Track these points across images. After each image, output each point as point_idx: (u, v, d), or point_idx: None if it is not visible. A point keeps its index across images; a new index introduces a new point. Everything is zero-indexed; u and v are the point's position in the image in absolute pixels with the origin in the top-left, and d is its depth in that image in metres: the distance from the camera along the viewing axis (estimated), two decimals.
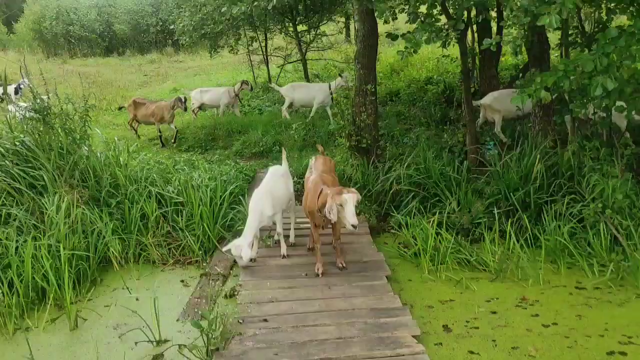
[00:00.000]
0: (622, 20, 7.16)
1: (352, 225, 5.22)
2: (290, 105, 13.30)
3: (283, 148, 7.65)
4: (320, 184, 5.84)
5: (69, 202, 6.50)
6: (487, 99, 10.04)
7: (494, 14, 12.22)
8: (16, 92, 15.04)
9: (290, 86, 13.66)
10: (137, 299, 5.73)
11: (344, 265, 6.08)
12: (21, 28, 33.49)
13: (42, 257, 5.65)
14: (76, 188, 6.90)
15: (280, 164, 7.19)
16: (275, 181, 6.57)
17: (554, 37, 10.78)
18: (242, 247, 5.92)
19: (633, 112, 6.29)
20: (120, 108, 13.80)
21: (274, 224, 6.54)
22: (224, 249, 6.15)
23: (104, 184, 7.16)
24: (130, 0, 32.24)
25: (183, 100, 11.87)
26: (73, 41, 31.05)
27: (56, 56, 29.46)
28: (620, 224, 6.15)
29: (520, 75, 10.99)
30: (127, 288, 5.98)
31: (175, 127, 12.31)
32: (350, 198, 5.27)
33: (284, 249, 6.50)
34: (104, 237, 6.48)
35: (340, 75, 12.80)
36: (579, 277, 5.85)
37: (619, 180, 6.33)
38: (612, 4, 6.42)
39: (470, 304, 5.39)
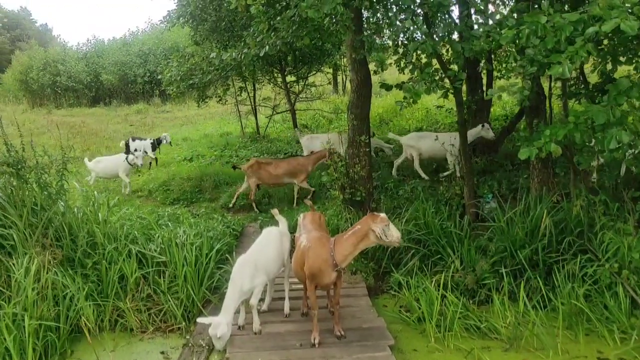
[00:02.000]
0: (626, 70, 6.95)
1: (398, 238, 5.23)
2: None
3: (273, 210, 7.02)
4: (325, 238, 5.51)
5: (39, 264, 5.94)
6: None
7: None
8: None
9: (415, 135, 11.56)
10: None
11: (343, 333, 5.53)
12: (7, 78, 33.34)
13: (4, 328, 5.03)
14: (49, 248, 6.35)
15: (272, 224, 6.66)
16: (264, 246, 6.03)
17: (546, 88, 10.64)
18: (220, 325, 5.17)
19: None
20: (234, 168, 11.49)
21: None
22: (200, 320, 5.33)
23: (80, 243, 6.61)
24: (119, 51, 32.37)
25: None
26: (59, 91, 30.89)
27: (41, 106, 29.19)
28: (638, 285, 5.71)
29: (521, 126, 10.82)
30: None
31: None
32: (383, 220, 5.20)
33: (256, 325, 5.73)
34: (77, 304, 5.88)
35: (482, 125, 11.07)
36: (599, 346, 5.35)
37: (634, 238, 5.93)
38: (620, 55, 6.19)
39: None
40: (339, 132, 12.36)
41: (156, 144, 15.06)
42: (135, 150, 13.50)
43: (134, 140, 14.98)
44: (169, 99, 27.75)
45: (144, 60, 31.15)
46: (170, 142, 15.87)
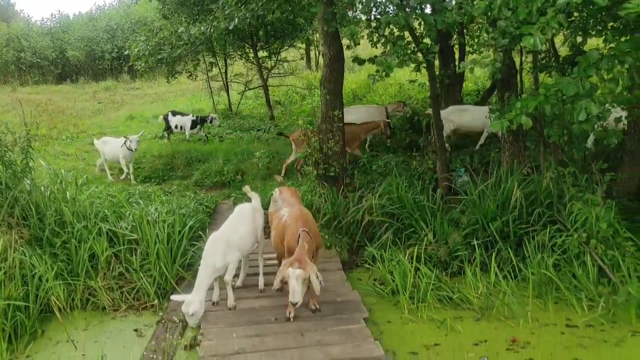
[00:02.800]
0: (595, 43, 7.02)
1: (291, 302, 5.00)
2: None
3: (245, 187, 6.90)
4: (300, 223, 5.40)
5: (5, 243, 5.78)
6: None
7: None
8: None
9: (455, 109, 10.98)
10: (83, 355, 5.04)
11: (318, 307, 5.54)
12: None
13: None
14: (15, 227, 6.19)
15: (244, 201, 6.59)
16: (237, 223, 5.95)
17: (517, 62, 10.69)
18: (193, 303, 5.15)
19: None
20: (280, 134, 11.61)
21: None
22: (174, 297, 5.28)
23: (48, 222, 6.46)
24: (85, 26, 31.35)
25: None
26: (24, 68, 29.85)
27: (6, 84, 28.20)
28: (605, 254, 5.85)
29: (493, 101, 10.89)
30: (72, 341, 5.27)
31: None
32: (294, 275, 4.84)
33: (230, 301, 5.70)
34: (46, 283, 5.76)
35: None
36: (569, 314, 5.48)
37: (602, 208, 6.05)
38: (590, 28, 6.23)
39: (457, 348, 4.93)
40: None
41: (199, 122, 13.77)
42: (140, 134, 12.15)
43: (174, 115, 13.87)
44: (138, 76, 27.07)
45: (112, 36, 30.23)
46: (219, 124, 14.66)
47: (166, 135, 14.02)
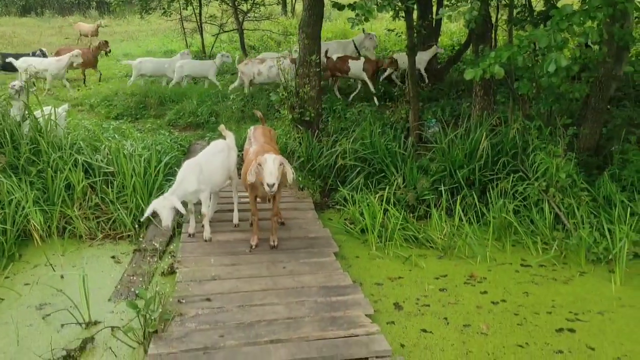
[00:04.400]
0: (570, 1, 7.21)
1: (267, 184, 5.00)
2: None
3: (221, 126, 7.02)
4: (262, 154, 5.51)
5: None
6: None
7: None
8: None
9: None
10: (62, 277, 5.19)
11: (275, 244, 5.74)
12: None
13: None
14: None
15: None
16: (212, 155, 6.05)
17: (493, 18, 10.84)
18: (163, 206, 5.25)
19: None
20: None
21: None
22: (146, 213, 5.39)
23: (23, 150, 6.46)
24: None
25: None
26: None
27: None
28: (562, 202, 6.24)
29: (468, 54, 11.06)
30: (51, 265, 5.41)
31: None
32: (272, 159, 5.04)
33: (207, 233, 5.86)
34: (24, 208, 5.83)
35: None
36: (524, 255, 5.88)
37: (562, 160, 6.41)
38: None
39: (419, 281, 5.28)
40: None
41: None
42: None
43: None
44: (107, 12, 26.18)
45: None
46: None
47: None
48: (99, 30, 19.77)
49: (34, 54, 13.62)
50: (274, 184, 5.00)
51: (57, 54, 13.52)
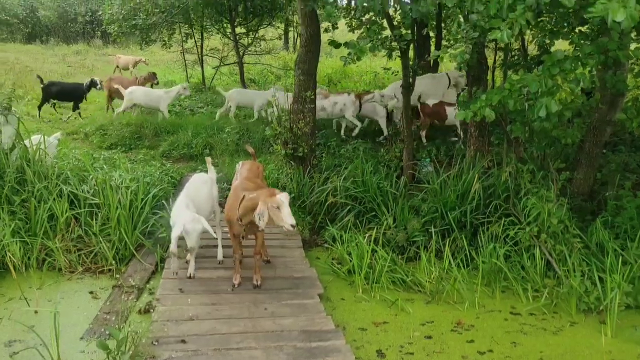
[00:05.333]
0: (562, 46, 7.23)
1: (292, 225, 4.82)
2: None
3: (207, 157, 7.02)
4: (239, 190, 5.43)
5: None
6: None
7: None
8: None
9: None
10: (36, 312, 5.03)
11: (259, 283, 5.59)
12: None
13: None
14: None
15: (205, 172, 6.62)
16: (196, 188, 6.00)
17: (490, 61, 10.92)
18: (194, 229, 5.29)
19: None
20: None
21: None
22: (174, 233, 5.31)
23: (8, 179, 6.37)
24: None
25: None
26: None
27: None
28: (553, 248, 6.11)
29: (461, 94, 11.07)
30: (25, 299, 5.25)
31: None
32: (285, 198, 4.91)
33: (191, 269, 5.71)
34: (2, 239, 5.70)
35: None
36: (514, 302, 5.72)
37: (555, 205, 6.30)
38: (557, 28, 6.44)
39: (405, 327, 5.11)
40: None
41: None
42: None
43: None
44: (111, 42, 26.49)
45: None
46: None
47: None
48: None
49: (92, 83, 13.49)
50: (295, 225, 4.90)
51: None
